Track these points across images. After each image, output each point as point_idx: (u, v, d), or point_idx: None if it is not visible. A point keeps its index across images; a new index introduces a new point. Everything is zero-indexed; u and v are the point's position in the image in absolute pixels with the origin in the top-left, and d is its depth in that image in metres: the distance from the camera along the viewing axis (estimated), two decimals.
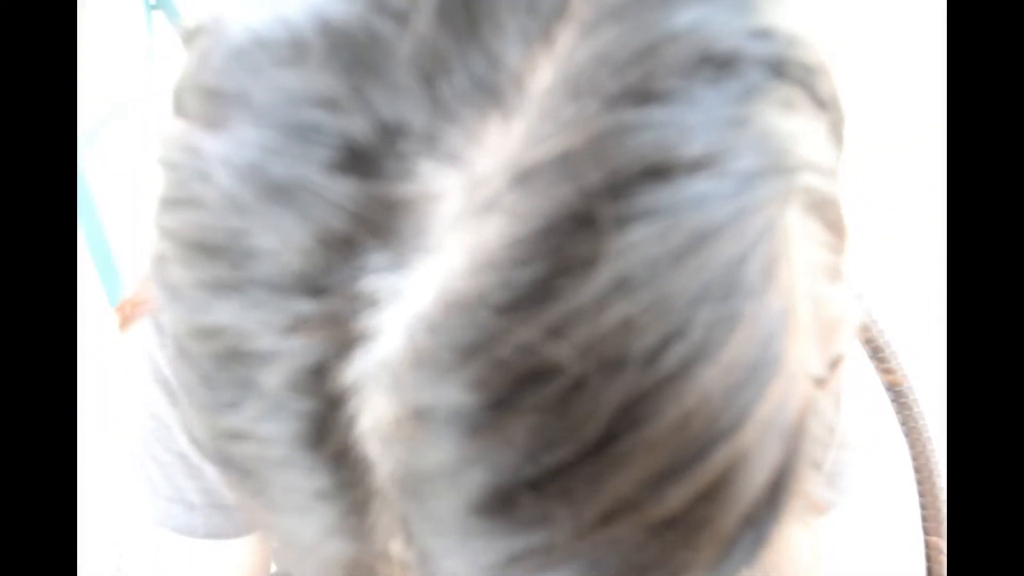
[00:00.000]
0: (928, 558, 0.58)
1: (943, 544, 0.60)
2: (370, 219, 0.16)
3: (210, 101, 0.18)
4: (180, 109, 0.19)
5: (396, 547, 0.19)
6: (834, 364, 0.20)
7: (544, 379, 0.16)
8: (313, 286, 0.16)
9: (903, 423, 0.63)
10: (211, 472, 0.39)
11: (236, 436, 0.19)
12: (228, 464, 0.20)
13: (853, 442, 0.48)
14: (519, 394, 0.16)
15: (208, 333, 0.18)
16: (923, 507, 0.60)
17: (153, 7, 1.72)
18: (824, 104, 0.19)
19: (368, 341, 0.16)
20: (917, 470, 0.62)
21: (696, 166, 0.16)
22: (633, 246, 0.15)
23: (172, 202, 0.18)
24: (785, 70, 0.18)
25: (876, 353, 0.60)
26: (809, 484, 0.19)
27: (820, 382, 0.19)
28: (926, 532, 0.61)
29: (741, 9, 0.17)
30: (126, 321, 0.41)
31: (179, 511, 0.42)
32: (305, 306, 0.16)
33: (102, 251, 1.20)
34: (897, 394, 0.61)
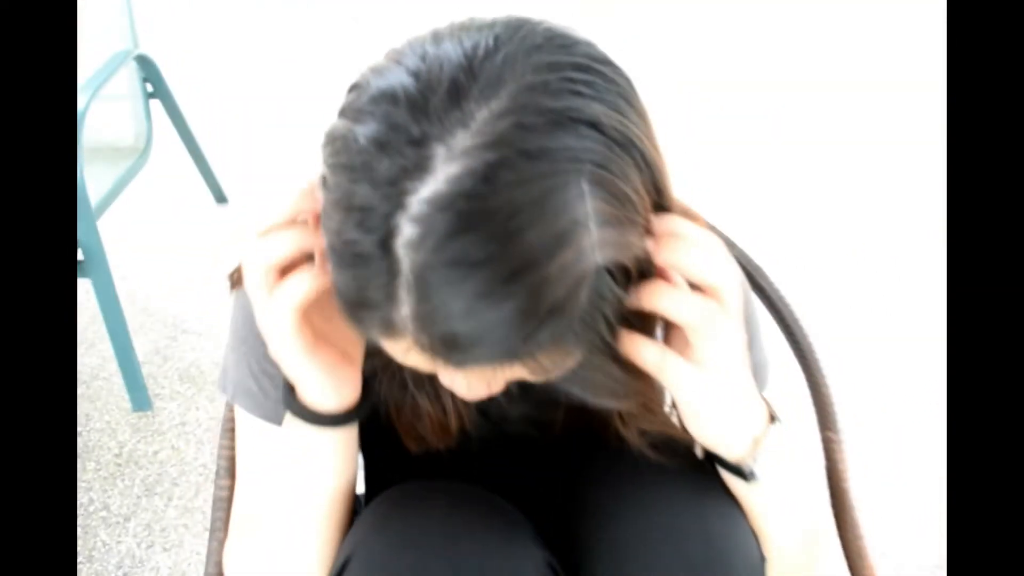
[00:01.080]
0: (825, 450, 0.65)
1: (836, 436, 0.67)
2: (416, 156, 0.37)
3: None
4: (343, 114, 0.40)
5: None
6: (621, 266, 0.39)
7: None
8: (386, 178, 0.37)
9: (792, 345, 0.77)
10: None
11: (351, 246, 0.38)
12: (341, 259, 0.39)
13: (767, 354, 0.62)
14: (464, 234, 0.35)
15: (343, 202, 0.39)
16: (816, 409, 0.69)
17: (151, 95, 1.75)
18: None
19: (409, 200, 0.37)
20: (810, 385, 0.72)
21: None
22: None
23: (333, 161, 0.39)
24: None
25: (763, 295, 0.73)
26: (597, 322, 0.38)
27: (600, 269, 0.37)
28: (821, 428, 0.69)
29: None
30: (235, 285, 0.56)
31: (270, 397, 0.57)
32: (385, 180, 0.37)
33: None
34: (786, 329, 0.73)
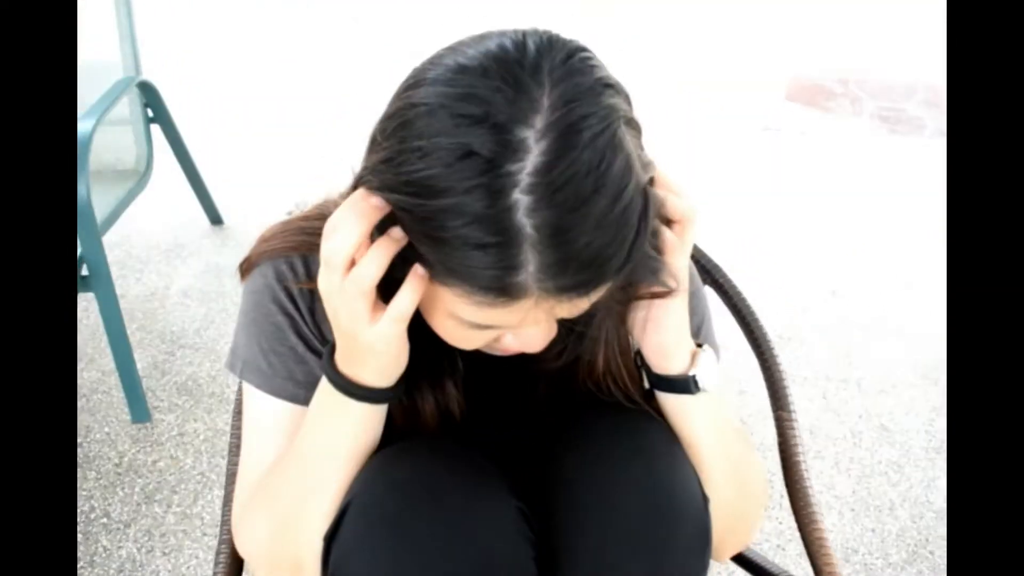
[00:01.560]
0: (778, 427, 0.73)
1: (787, 415, 0.74)
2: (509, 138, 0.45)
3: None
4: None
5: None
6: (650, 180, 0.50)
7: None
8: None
9: (746, 333, 0.89)
10: (312, 361, 0.62)
11: (471, 239, 0.45)
12: (463, 253, 0.45)
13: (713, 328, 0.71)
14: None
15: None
16: (769, 390, 0.76)
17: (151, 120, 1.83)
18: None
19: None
20: (763, 368, 0.80)
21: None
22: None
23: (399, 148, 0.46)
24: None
25: (721, 291, 0.83)
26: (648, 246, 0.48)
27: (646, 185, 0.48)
28: (774, 408, 0.76)
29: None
30: (245, 273, 0.64)
31: (290, 386, 0.62)
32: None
33: None
34: (741, 319, 0.82)
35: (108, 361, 1.78)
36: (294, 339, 0.62)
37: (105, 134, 1.67)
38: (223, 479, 1.51)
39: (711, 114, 2.88)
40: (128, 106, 1.80)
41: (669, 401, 0.61)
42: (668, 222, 0.54)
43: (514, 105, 0.44)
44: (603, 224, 0.44)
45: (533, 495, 0.58)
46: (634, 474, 0.56)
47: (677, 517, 0.56)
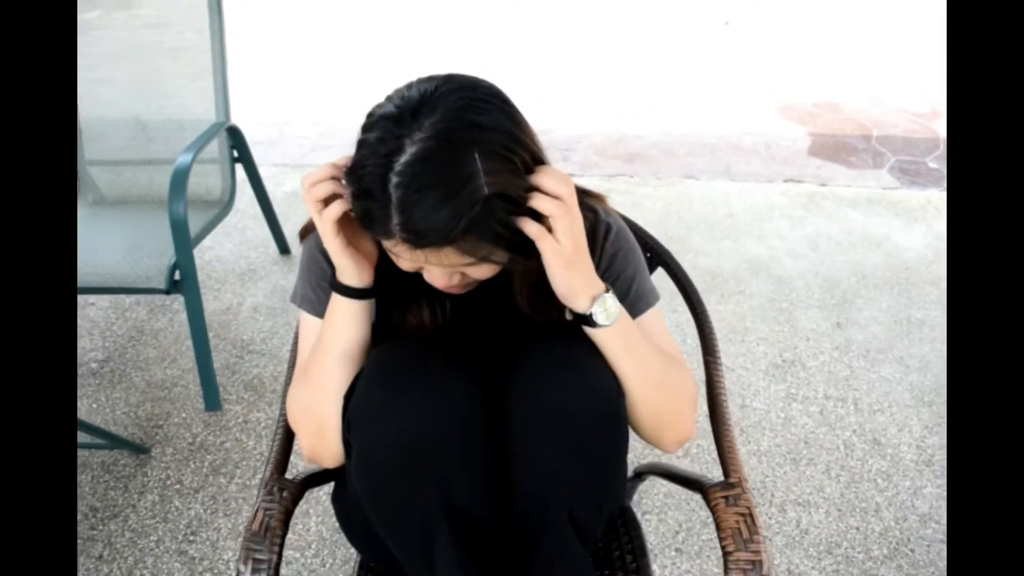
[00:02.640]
0: (706, 370, 0.91)
1: (714, 359, 0.92)
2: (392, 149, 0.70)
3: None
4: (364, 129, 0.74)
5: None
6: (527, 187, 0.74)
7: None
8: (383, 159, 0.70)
9: (681, 291, 1.04)
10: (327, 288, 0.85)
11: (365, 189, 0.70)
12: (360, 196, 0.71)
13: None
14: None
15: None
16: (701, 339, 0.95)
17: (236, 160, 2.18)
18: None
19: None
20: (696, 320, 1.00)
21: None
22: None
23: (358, 148, 0.73)
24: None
25: (664, 264, 1.06)
26: (495, 222, 0.70)
27: (489, 195, 0.69)
28: (704, 353, 0.94)
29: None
30: (302, 238, 0.92)
31: (322, 301, 0.87)
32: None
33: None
34: (677, 280, 1.04)
35: (186, 361, 2.07)
36: (332, 277, 0.86)
37: (198, 169, 1.98)
38: None
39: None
40: (217, 147, 2.13)
41: (586, 329, 0.81)
42: (541, 217, 0.73)
43: (409, 126, 0.69)
44: (436, 208, 0.67)
45: (490, 381, 0.80)
46: (561, 361, 0.77)
47: (590, 399, 0.76)
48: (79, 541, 1.59)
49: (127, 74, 2.11)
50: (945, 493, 1.69)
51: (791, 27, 5.32)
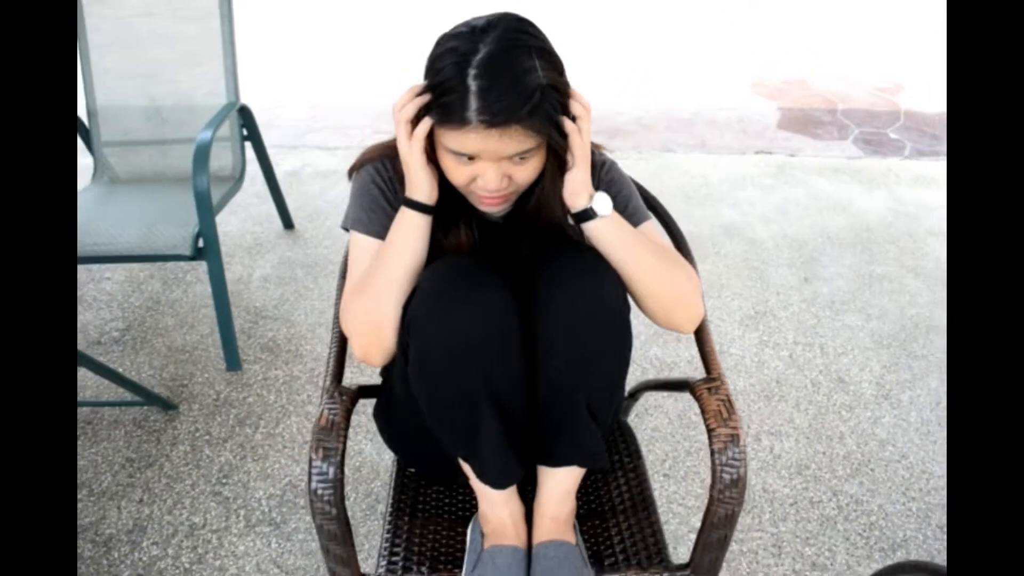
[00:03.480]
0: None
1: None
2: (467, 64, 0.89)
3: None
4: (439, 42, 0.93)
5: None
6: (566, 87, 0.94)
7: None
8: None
9: (671, 237, 1.22)
10: (391, 214, 1.02)
11: (447, 85, 0.88)
12: (442, 93, 0.89)
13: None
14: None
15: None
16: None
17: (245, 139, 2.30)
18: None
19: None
20: (680, 249, 1.16)
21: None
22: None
23: (435, 58, 0.92)
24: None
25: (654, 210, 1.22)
26: (552, 109, 0.90)
27: (546, 84, 0.90)
28: None
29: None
30: (352, 173, 1.08)
31: (379, 229, 1.02)
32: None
33: None
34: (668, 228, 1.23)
35: (204, 327, 2.21)
36: (383, 202, 1.02)
37: (211, 147, 2.13)
38: (299, 411, 1.91)
39: None
40: (229, 126, 2.27)
41: (586, 229, 0.97)
42: (574, 118, 0.92)
43: (480, 36, 0.87)
44: (506, 91, 0.85)
45: (520, 292, 0.97)
46: (577, 282, 0.93)
47: (600, 306, 0.92)
48: (119, 488, 1.74)
49: (139, 59, 2.24)
50: (902, 423, 1.90)
51: (763, 7, 5.50)
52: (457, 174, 0.94)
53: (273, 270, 2.48)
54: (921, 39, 4.89)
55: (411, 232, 0.97)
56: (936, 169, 3.18)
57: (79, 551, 1.60)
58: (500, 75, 0.84)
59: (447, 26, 0.93)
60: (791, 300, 2.33)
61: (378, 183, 1.03)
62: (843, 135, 3.48)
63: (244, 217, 2.79)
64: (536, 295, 0.95)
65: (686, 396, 1.94)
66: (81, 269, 2.48)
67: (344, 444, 0.94)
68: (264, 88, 4.14)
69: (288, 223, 2.70)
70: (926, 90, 4.03)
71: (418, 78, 0.95)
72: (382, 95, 3.90)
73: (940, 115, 3.69)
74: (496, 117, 0.85)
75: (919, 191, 3.00)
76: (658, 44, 4.84)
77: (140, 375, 2.05)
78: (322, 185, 3.04)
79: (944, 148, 3.26)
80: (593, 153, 1.05)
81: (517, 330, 0.94)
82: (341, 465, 0.93)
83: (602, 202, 0.96)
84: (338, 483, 0.92)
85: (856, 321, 2.24)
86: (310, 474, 0.92)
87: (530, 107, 0.86)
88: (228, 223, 2.75)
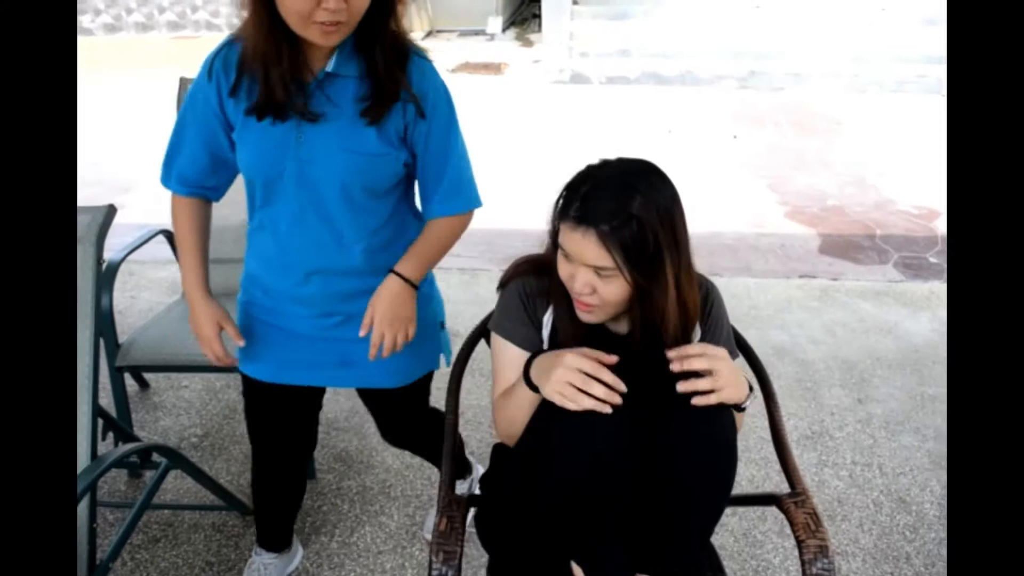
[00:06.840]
0: (769, 413, 1.16)
1: (773, 404, 1.18)
2: None
3: None
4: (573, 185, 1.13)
5: None
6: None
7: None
8: None
9: (750, 364, 1.34)
10: (531, 328, 1.21)
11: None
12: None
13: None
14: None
15: None
16: (762, 390, 1.21)
17: None
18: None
19: None
20: (757, 376, 1.27)
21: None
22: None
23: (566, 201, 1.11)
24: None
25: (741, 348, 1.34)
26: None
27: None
28: (766, 400, 1.20)
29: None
30: (502, 287, 1.26)
31: (518, 338, 1.21)
32: None
33: None
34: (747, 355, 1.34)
35: None
36: (525, 316, 1.18)
37: None
38: (372, 520, 1.98)
39: None
40: None
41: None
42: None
43: (609, 163, 1.07)
44: (602, 200, 1.03)
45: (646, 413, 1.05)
46: (702, 427, 1.03)
47: (726, 463, 1.03)
48: None
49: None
50: None
51: (792, 141, 5.79)
52: (567, 277, 1.09)
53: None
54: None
55: (527, 402, 1.10)
56: None
57: None
58: (604, 193, 1.01)
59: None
60: (846, 420, 2.39)
61: (523, 299, 1.19)
62: (883, 259, 3.61)
63: None
64: (659, 421, 1.05)
65: (750, 514, 1.98)
66: (160, 377, 2.63)
67: (461, 548, 1.03)
68: None
69: None
70: None
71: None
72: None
73: None
74: (583, 218, 1.02)
75: None
76: (693, 172, 5.09)
77: (217, 481, 2.15)
78: None
79: None
80: (700, 284, 1.18)
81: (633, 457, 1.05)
82: (459, 568, 1.01)
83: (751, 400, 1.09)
84: None
85: (912, 441, 2.28)
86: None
87: (612, 225, 1.00)
88: None
